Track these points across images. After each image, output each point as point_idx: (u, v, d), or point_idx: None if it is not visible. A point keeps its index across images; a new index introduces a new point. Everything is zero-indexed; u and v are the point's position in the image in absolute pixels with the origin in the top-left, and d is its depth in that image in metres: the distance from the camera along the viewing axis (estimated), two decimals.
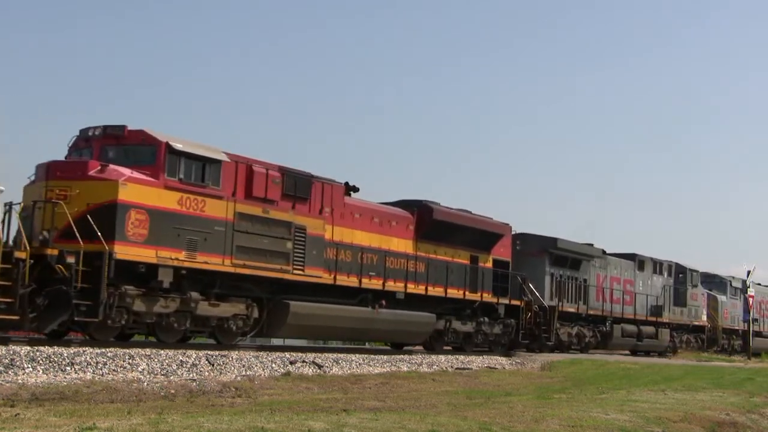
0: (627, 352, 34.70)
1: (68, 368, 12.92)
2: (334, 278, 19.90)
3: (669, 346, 35.95)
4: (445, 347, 24.38)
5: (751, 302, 41.90)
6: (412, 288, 22.10)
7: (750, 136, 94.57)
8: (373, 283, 21.09)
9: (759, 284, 45.85)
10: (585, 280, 30.83)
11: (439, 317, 23.06)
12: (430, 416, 11.02)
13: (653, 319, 34.67)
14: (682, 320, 37.39)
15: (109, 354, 13.91)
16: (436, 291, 22.97)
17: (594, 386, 18.35)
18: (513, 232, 27.17)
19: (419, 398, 14.26)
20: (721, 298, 41.90)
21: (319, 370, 16.79)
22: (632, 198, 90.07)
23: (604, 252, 32.29)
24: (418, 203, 23.17)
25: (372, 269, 21.05)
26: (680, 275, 37.34)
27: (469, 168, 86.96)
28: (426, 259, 22.70)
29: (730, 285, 43.32)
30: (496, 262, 25.42)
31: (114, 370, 13.40)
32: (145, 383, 12.75)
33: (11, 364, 12.35)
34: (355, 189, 21.36)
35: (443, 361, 21.00)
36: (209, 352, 15.81)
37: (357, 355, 19.33)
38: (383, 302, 21.16)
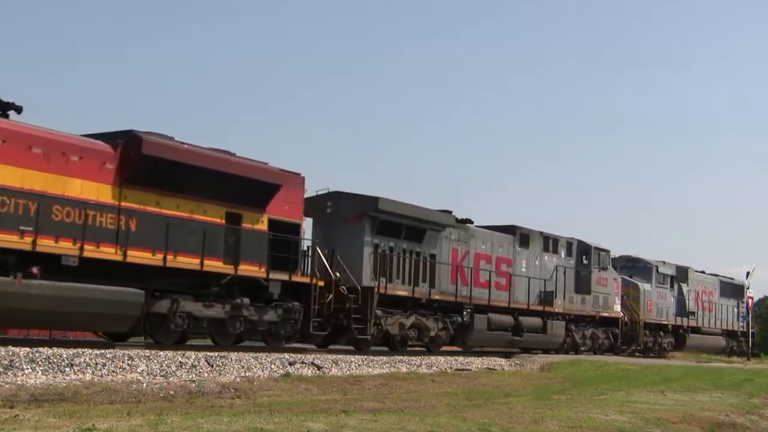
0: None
1: (67, 369, 12.93)
2: None
3: (566, 343, 28.75)
4: (191, 339, 18.70)
5: (750, 303, 41.85)
6: (106, 251, 15.64)
7: (750, 136, 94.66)
8: (16, 242, 14.51)
9: (703, 272, 40.33)
10: (432, 256, 23.55)
11: (159, 296, 16.77)
12: (430, 417, 11.02)
13: (540, 308, 27.16)
14: (584, 310, 29.57)
15: (108, 355, 13.92)
16: (153, 258, 16.40)
17: (593, 387, 18.35)
18: (324, 191, 21.87)
19: (418, 399, 14.26)
20: (644, 286, 34.58)
21: (318, 371, 16.80)
22: (633, 198, 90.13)
23: (464, 221, 25.25)
24: (126, 134, 16.43)
25: (23, 222, 14.66)
26: (583, 256, 29.79)
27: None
28: (134, 213, 16.23)
29: (657, 271, 35.71)
30: (275, 224, 18.89)
31: (113, 371, 13.41)
32: (145, 384, 12.76)
33: (10, 365, 12.36)
34: (16, 108, 15.37)
35: (442, 362, 21.02)
36: (208, 353, 15.81)
37: (356, 356, 19.34)
38: (34, 270, 14.61)
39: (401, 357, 20.53)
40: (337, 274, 20.41)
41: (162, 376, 13.84)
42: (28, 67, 73.19)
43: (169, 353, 15.14)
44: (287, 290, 19.15)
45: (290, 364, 16.66)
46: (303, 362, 17.06)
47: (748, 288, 41.16)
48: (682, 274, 37.63)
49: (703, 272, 40.38)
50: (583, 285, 29.46)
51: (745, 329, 42.83)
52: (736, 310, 42.24)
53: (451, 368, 20.46)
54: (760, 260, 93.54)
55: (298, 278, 19.39)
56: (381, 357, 19.73)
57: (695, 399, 16.40)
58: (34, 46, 73.71)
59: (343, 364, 17.91)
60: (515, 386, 18.43)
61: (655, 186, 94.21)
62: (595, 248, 30.11)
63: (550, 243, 28.43)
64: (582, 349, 29.68)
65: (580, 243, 29.82)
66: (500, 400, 14.33)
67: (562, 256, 28.91)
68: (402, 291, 22.39)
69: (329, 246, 20.89)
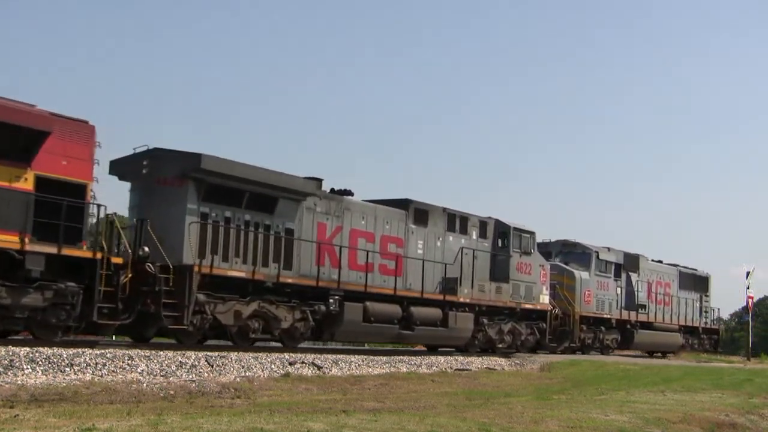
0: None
1: (67, 369, 12.93)
2: None
3: (477, 339, 24.62)
4: None
5: (750, 303, 41.84)
6: None
7: (750, 137, 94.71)
8: None
9: (660, 261, 36.96)
10: (289, 231, 19.31)
11: None
12: (430, 417, 11.03)
13: (439, 297, 22.94)
14: (500, 301, 25.24)
15: (108, 355, 13.93)
16: None
17: (593, 387, 18.37)
18: (142, 148, 18.08)
19: (418, 399, 14.26)
20: (581, 274, 30.38)
21: (318, 371, 16.81)
22: (636, 202, 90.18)
23: (341, 192, 21.25)
24: None
25: None
26: (502, 238, 25.68)
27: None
28: None
29: (597, 258, 31.52)
30: (46, 183, 14.87)
31: (113, 371, 13.42)
32: (145, 384, 12.77)
33: (11, 365, 12.37)
34: None
35: (442, 362, 21.02)
36: (208, 353, 15.82)
37: (356, 356, 19.34)
38: None
39: (401, 357, 20.54)
40: (146, 249, 16.57)
41: (162, 376, 13.85)
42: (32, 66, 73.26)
43: (169, 353, 15.15)
44: (60, 267, 15.12)
45: (290, 364, 16.67)
46: (303, 362, 17.08)
47: (748, 288, 41.17)
48: (631, 262, 33.56)
49: (660, 262, 36.91)
50: (500, 271, 25.32)
51: (708, 325, 39.86)
52: (698, 304, 38.79)
53: (451, 368, 20.48)
54: (760, 260, 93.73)
55: (73, 252, 15.12)
56: (381, 357, 19.75)
57: (695, 399, 16.41)
58: (35, 45, 73.80)
59: (343, 364, 17.93)
60: (515, 386, 18.44)
61: (656, 187, 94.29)
62: (516, 229, 26.04)
63: (457, 222, 24.19)
64: (500, 345, 25.53)
65: (498, 223, 25.73)
66: (500, 400, 14.34)
67: (474, 237, 24.69)
68: (238, 271, 18.10)
69: (144, 214, 17.34)
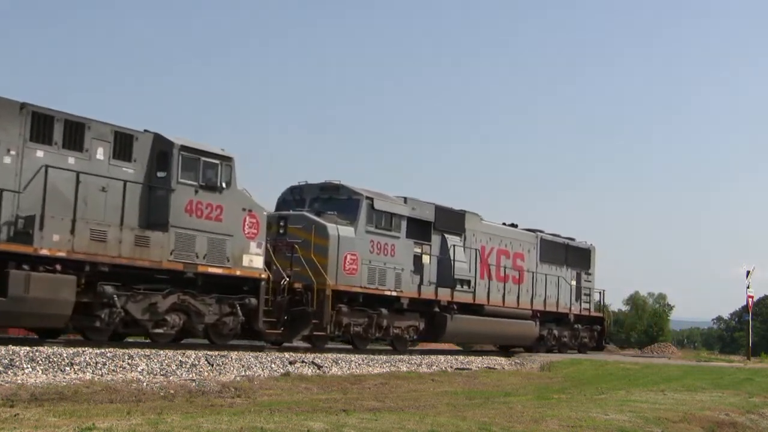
0: None
1: (67, 368, 12.94)
2: None
3: (99, 319, 15.54)
4: None
5: (750, 303, 41.77)
6: None
7: (750, 137, 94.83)
8: None
9: (514, 226, 27.99)
10: None
11: None
12: (430, 416, 11.03)
13: None
14: (148, 259, 16.04)
15: (108, 354, 13.93)
16: None
17: (593, 386, 18.39)
18: None
19: (419, 398, 14.27)
20: (341, 230, 20.70)
21: (318, 371, 16.81)
22: (636, 198, 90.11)
23: None
24: None
25: None
26: (160, 168, 16.65)
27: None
28: None
29: (371, 207, 21.47)
30: None
31: (113, 371, 13.43)
32: (145, 383, 12.77)
33: (11, 364, 12.38)
34: None
35: (443, 361, 21.04)
36: (208, 353, 15.83)
37: (356, 355, 19.36)
38: None
39: (402, 356, 20.56)
40: None
41: (162, 375, 13.86)
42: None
43: (170, 352, 15.16)
44: None
45: (290, 363, 16.67)
46: (303, 361, 17.09)
47: (748, 287, 41.10)
48: (450, 220, 24.35)
49: (514, 226, 27.80)
50: (153, 214, 16.54)
51: (588, 312, 30.41)
52: (573, 283, 29.53)
53: (451, 367, 20.51)
54: (761, 260, 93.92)
55: None
56: (381, 356, 19.76)
57: (695, 398, 16.41)
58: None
59: (343, 363, 17.94)
60: (515, 385, 18.45)
61: (659, 187, 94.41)
62: (186, 149, 16.80)
63: (56, 128, 15.18)
64: (157, 330, 16.67)
65: (158, 140, 16.66)
66: (500, 400, 14.34)
67: (99, 156, 15.73)
68: None
69: None
